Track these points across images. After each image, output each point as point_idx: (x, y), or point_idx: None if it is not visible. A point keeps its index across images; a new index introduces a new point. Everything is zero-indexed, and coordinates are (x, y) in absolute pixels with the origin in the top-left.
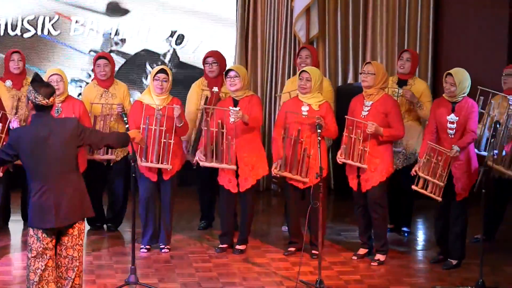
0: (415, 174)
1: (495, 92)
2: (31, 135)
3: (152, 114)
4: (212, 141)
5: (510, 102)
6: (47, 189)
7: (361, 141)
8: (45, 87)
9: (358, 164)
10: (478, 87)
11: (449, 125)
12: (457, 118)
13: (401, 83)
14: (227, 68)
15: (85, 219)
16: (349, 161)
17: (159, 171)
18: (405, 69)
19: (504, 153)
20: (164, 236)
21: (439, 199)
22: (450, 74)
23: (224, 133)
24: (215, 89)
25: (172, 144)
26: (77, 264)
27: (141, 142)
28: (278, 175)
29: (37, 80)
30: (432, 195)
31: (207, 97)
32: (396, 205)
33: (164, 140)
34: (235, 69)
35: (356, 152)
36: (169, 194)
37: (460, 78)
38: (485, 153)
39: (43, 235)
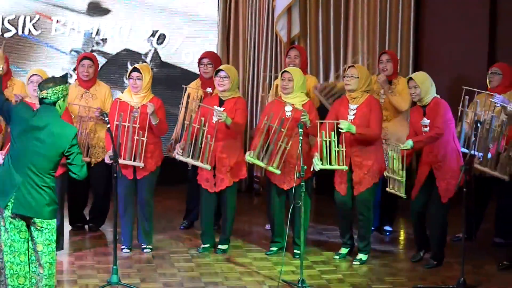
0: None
1: (480, 91)
2: (28, 116)
3: (126, 110)
4: (192, 137)
5: (494, 101)
6: (14, 171)
7: (336, 142)
8: (44, 81)
9: (337, 167)
10: (463, 87)
11: (423, 129)
12: (429, 120)
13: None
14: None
15: (64, 219)
16: (328, 166)
17: (135, 170)
18: (388, 70)
19: (489, 155)
20: (143, 235)
21: (403, 195)
22: (411, 78)
23: (205, 132)
24: (209, 89)
25: (145, 142)
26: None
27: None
28: (249, 162)
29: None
30: (397, 192)
31: (201, 97)
32: (382, 204)
33: (137, 138)
34: (226, 70)
35: (334, 155)
36: (143, 193)
37: (421, 79)
38: (465, 150)
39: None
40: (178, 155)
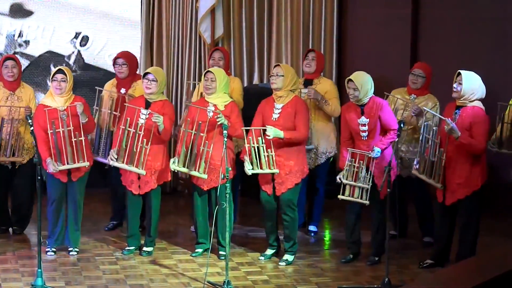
0: (339, 182)
1: (401, 98)
2: None
3: (57, 118)
4: (128, 142)
5: (412, 111)
6: None
7: (264, 147)
8: None
9: (268, 171)
10: (385, 93)
11: (361, 127)
12: (368, 120)
13: (307, 83)
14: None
15: None
16: (259, 171)
17: (69, 173)
18: (311, 67)
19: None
20: (71, 237)
21: (367, 202)
22: (351, 79)
23: (141, 136)
24: (123, 90)
25: (83, 141)
26: None
27: None
28: (175, 170)
29: None
30: (359, 200)
31: (113, 100)
32: (307, 204)
33: (75, 139)
34: (154, 72)
35: (264, 160)
36: (77, 195)
37: (361, 82)
38: None
39: None
40: (112, 160)
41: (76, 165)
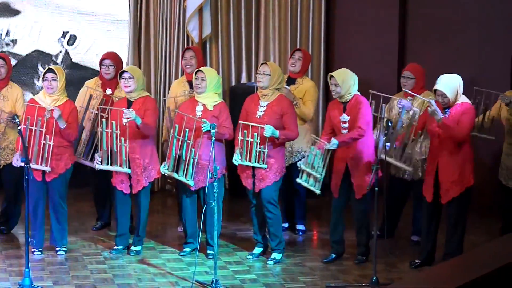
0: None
1: (387, 95)
2: None
3: (33, 115)
4: (107, 143)
5: (398, 106)
6: None
7: (258, 143)
8: None
9: (257, 165)
10: (370, 91)
11: (342, 125)
12: (349, 117)
13: (290, 81)
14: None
15: None
16: (247, 163)
17: (44, 172)
18: (296, 67)
19: (395, 145)
20: (56, 237)
21: (318, 192)
22: (332, 75)
23: (118, 135)
24: (109, 91)
25: (51, 146)
26: None
27: None
28: (165, 174)
29: None
30: (310, 187)
31: (102, 100)
32: (290, 203)
33: (44, 142)
34: (129, 70)
35: (254, 154)
36: (54, 196)
37: (342, 78)
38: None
39: None
40: (97, 164)
41: (38, 167)
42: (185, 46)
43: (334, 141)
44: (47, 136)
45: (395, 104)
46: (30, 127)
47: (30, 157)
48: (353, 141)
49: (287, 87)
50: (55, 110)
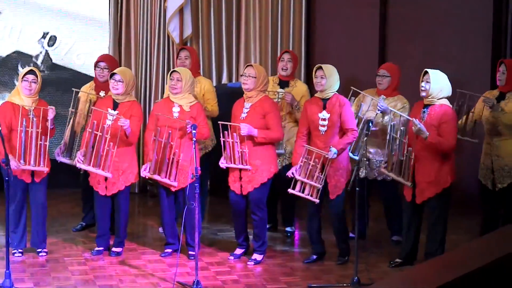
0: (291, 176)
1: (366, 95)
2: None
3: (26, 116)
4: (94, 144)
5: (378, 106)
6: None
7: (239, 143)
8: None
9: (241, 166)
10: (351, 87)
11: (320, 122)
12: (329, 114)
13: (283, 84)
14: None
15: None
16: (232, 165)
17: (33, 174)
18: (288, 70)
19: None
20: (38, 238)
21: (317, 201)
22: (320, 67)
23: (107, 139)
24: (102, 93)
25: (47, 146)
26: None
27: None
28: (146, 177)
29: None
30: (309, 197)
31: (90, 101)
32: (275, 204)
33: (40, 142)
34: (121, 73)
35: (237, 155)
36: (41, 196)
37: (330, 72)
38: (352, 156)
39: None
40: (79, 163)
41: (37, 168)
42: (166, 48)
43: (334, 150)
44: (43, 137)
45: (366, 100)
46: (27, 129)
47: (28, 158)
48: (348, 145)
49: (289, 93)
50: (50, 110)
